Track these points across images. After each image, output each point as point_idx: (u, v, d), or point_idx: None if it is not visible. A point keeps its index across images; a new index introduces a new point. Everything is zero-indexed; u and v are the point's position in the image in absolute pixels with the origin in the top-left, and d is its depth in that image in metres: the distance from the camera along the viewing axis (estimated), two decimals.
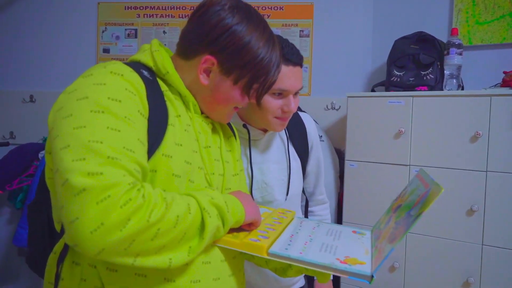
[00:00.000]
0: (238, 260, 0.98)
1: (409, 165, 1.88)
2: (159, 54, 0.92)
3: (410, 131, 1.87)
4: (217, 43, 0.88)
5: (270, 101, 1.16)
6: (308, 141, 1.41)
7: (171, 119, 0.87)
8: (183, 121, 0.90)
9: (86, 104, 0.74)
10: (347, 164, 2.03)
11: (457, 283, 1.77)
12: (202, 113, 0.98)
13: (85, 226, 0.65)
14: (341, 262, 0.86)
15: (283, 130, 1.33)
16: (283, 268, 1.07)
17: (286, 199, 1.32)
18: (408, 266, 1.88)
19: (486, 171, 1.71)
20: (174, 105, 0.89)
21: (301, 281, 1.47)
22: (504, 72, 1.85)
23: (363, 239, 1.04)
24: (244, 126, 1.26)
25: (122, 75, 0.80)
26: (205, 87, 0.92)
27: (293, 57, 1.14)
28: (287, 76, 1.14)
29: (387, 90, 2.02)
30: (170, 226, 0.73)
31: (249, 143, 1.27)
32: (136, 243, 0.69)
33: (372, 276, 0.83)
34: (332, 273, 0.85)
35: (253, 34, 0.89)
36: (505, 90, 1.69)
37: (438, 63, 1.92)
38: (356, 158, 2.01)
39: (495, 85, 1.86)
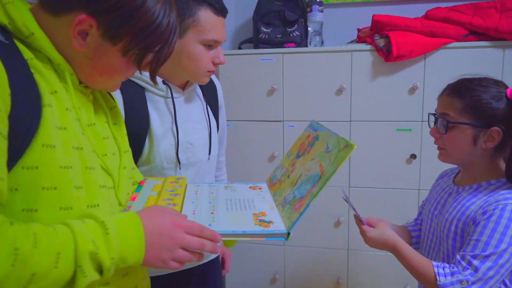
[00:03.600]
0: (142, 268, 0.86)
1: (283, 120, 1.95)
2: (14, 8, 0.68)
3: (282, 87, 1.92)
4: (99, 1, 0.69)
5: (203, 53, 1.14)
6: (218, 100, 1.39)
7: (46, 97, 0.68)
8: (62, 97, 0.71)
9: None
10: None
11: (331, 221, 1.96)
12: (80, 82, 0.79)
13: None
14: (254, 223, 0.84)
15: (199, 88, 1.31)
16: None
17: (208, 159, 1.29)
18: None
19: (350, 121, 1.88)
20: (46, 78, 0.70)
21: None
22: (358, 29, 2.02)
23: (263, 194, 1.05)
24: (164, 82, 1.18)
25: None
26: (81, 53, 0.73)
27: (223, 8, 1.15)
28: (218, 27, 1.14)
29: (256, 47, 2.02)
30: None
31: (173, 101, 1.19)
32: None
33: (289, 234, 0.82)
34: (249, 238, 0.83)
35: None
36: (363, 46, 1.85)
37: (302, 20, 1.98)
38: (231, 118, 1.98)
39: (351, 42, 2.02)
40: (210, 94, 1.34)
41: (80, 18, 0.69)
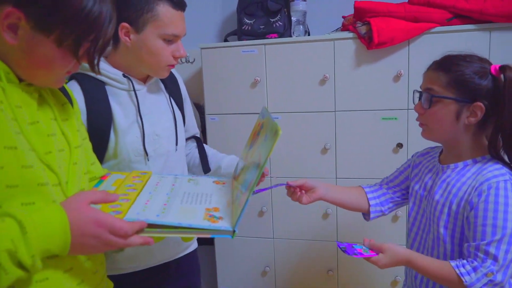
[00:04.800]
0: (92, 261, 0.87)
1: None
2: None
3: (265, 79, 1.90)
4: None
5: (163, 48, 1.15)
6: (182, 92, 1.40)
7: None
8: None
9: None
10: (207, 118, 1.99)
11: (319, 213, 1.94)
12: (21, 80, 0.79)
13: None
14: (203, 218, 0.83)
15: (160, 81, 1.32)
16: None
17: (176, 150, 1.29)
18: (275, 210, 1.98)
19: (335, 111, 1.85)
20: None
21: (194, 243, 1.46)
22: (343, 17, 1.97)
23: (225, 189, 1.03)
24: (125, 76, 1.19)
25: None
26: (15, 48, 0.73)
27: (181, 2, 1.16)
28: (177, 21, 1.15)
29: (239, 39, 1.99)
30: None
31: (135, 93, 1.20)
32: None
33: (234, 231, 0.81)
34: (194, 235, 0.82)
35: None
36: (346, 34, 1.81)
37: (285, 9, 1.95)
38: (216, 111, 1.98)
39: (336, 30, 1.98)
40: (172, 87, 1.35)
41: (7, 11, 0.69)
